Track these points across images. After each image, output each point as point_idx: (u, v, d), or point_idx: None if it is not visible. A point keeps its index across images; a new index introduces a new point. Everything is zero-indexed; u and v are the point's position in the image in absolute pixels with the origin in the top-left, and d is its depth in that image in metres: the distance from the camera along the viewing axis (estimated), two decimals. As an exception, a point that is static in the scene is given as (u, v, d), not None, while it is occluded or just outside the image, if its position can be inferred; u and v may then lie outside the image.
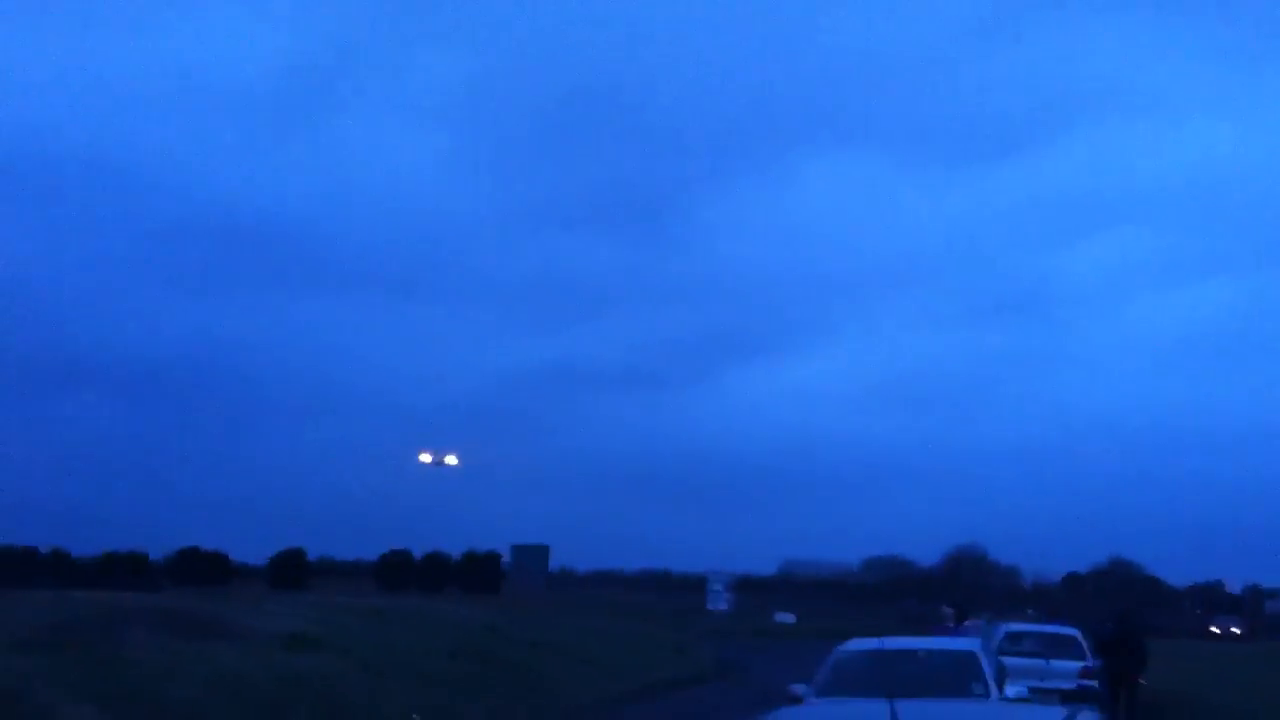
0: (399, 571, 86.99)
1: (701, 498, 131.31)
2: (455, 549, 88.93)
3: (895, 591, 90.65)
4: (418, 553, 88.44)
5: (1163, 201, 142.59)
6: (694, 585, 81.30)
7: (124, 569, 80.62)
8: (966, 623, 26.83)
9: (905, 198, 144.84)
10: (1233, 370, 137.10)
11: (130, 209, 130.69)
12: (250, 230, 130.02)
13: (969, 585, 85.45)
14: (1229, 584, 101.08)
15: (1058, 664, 22.39)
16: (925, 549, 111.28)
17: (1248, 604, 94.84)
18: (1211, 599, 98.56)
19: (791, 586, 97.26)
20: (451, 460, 67.42)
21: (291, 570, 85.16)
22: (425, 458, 67.07)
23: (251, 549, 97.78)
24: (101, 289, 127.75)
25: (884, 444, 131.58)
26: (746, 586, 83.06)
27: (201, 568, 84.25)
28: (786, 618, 71.33)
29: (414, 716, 18.34)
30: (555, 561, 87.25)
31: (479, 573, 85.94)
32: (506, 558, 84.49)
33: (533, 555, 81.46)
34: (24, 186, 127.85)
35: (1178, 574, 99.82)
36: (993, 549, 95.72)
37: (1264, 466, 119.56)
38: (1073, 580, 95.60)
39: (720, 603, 73.44)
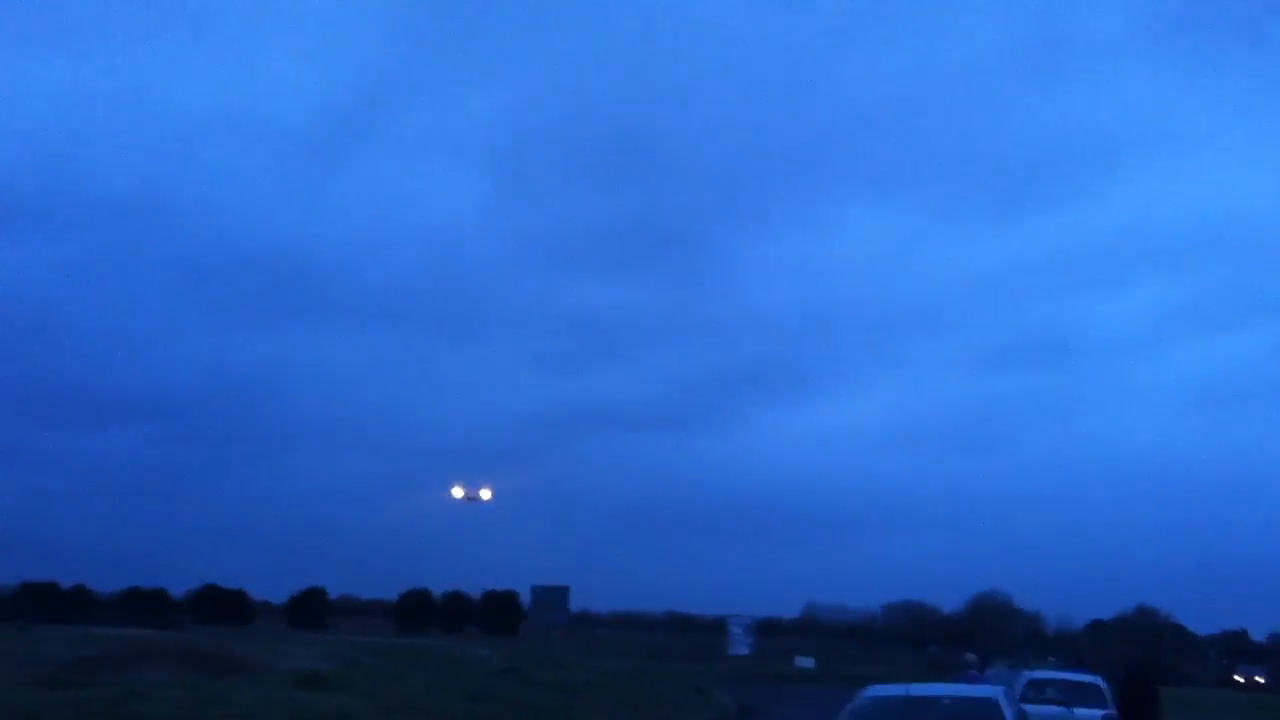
0: (418, 611, 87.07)
1: (723, 540, 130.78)
2: (475, 588, 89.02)
3: (917, 637, 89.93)
4: (438, 592, 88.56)
5: (1193, 251, 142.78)
6: (715, 628, 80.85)
7: (144, 605, 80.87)
8: (989, 670, 26.61)
9: (937, 244, 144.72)
10: (1259, 418, 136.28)
11: (165, 246, 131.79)
12: (281, 267, 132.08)
13: (992, 631, 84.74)
14: (1253, 632, 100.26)
15: (1080, 712, 22.16)
16: (947, 594, 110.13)
17: (1272, 653, 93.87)
18: (1236, 647, 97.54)
19: (813, 630, 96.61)
20: (485, 495, 65.57)
21: (311, 608, 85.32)
22: (458, 492, 64.93)
23: (272, 587, 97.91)
24: (131, 325, 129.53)
25: (908, 488, 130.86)
26: (768, 630, 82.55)
27: (221, 605, 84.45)
28: (807, 662, 70.72)
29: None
30: (575, 603, 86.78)
31: (498, 613, 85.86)
32: (526, 598, 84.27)
33: (553, 596, 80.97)
34: (61, 222, 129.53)
35: (1202, 622, 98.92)
36: (1016, 595, 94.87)
37: (1267, 511, 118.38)
38: (1097, 627, 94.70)
39: (741, 646, 72.93)
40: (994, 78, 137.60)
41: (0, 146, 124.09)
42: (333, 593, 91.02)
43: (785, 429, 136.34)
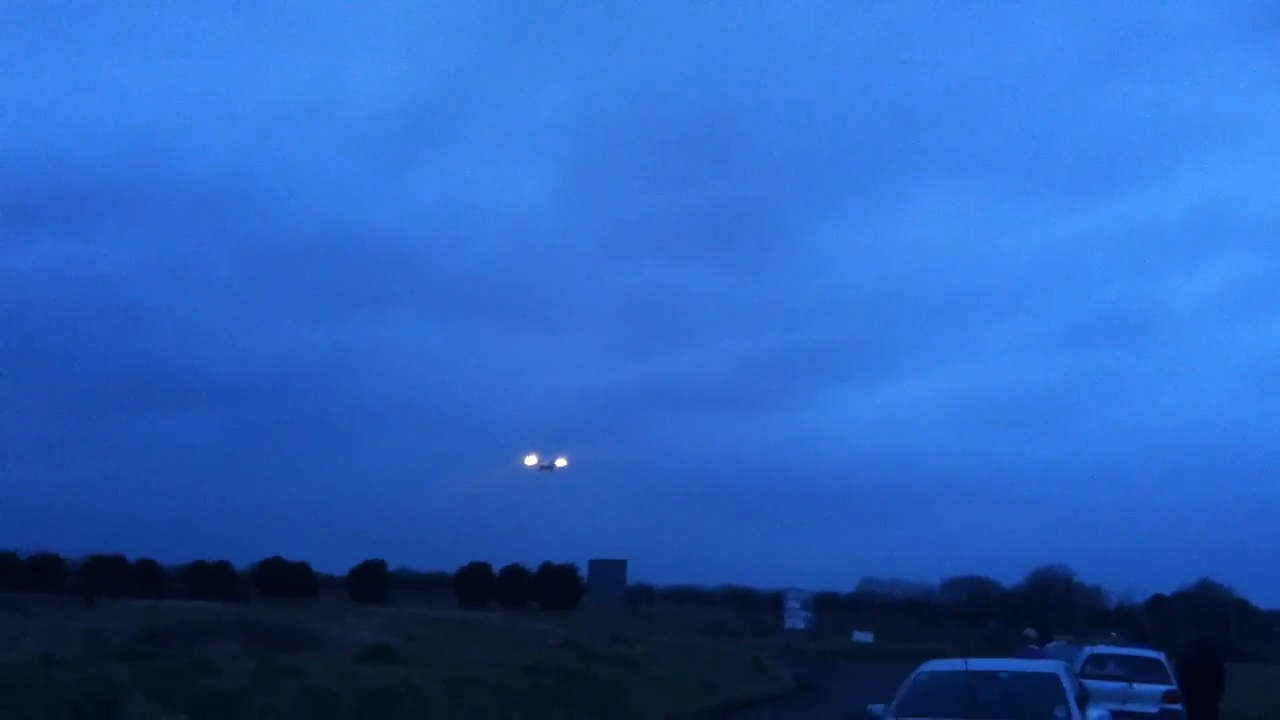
0: (478, 584, 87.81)
1: (782, 516, 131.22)
2: (534, 562, 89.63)
3: (977, 612, 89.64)
4: (497, 566, 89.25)
5: (1267, 231, 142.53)
6: (772, 603, 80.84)
7: (209, 579, 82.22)
8: (1050, 645, 26.56)
9: (1011, 225, 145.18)
10: None
11: (245, 235, 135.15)
12: (356, 256, 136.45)
13: (1053, 606, 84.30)
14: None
15: (1141, 688, 22.11)
16: (1008, 569, 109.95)
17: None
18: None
19: (870, 606, 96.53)
20: (561, 463, 65.76)
21: (372, 582, 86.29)
22: (531, 460, 65.43)
23: (334, 560, 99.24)
24: (210, 312, 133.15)
25: (972, 465, 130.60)
26: (825, 605, 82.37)
27: (285, 578, 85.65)
28: (865, 637, 70.75)
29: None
30: (632, 576, 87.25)
31: (557, 587, 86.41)
32: (584, 572, 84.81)
33: (610, 570, 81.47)
34: (146, 211, 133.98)
35: (1268, 598, 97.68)
36: (1078, 570, 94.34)
37: None
38: (1158, 602, 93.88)
39: (798, 621, 72.75)
40: (1069, 65, 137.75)
41: (92, 141, 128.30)
42: (393, 566, 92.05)
43: (851, 408, 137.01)
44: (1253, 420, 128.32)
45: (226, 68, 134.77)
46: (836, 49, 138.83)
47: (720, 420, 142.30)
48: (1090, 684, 18.85)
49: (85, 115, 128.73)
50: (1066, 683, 12.99)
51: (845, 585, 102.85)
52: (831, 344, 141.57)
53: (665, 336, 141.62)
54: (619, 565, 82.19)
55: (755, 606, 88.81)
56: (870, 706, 12.76)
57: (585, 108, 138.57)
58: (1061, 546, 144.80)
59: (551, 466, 65.17)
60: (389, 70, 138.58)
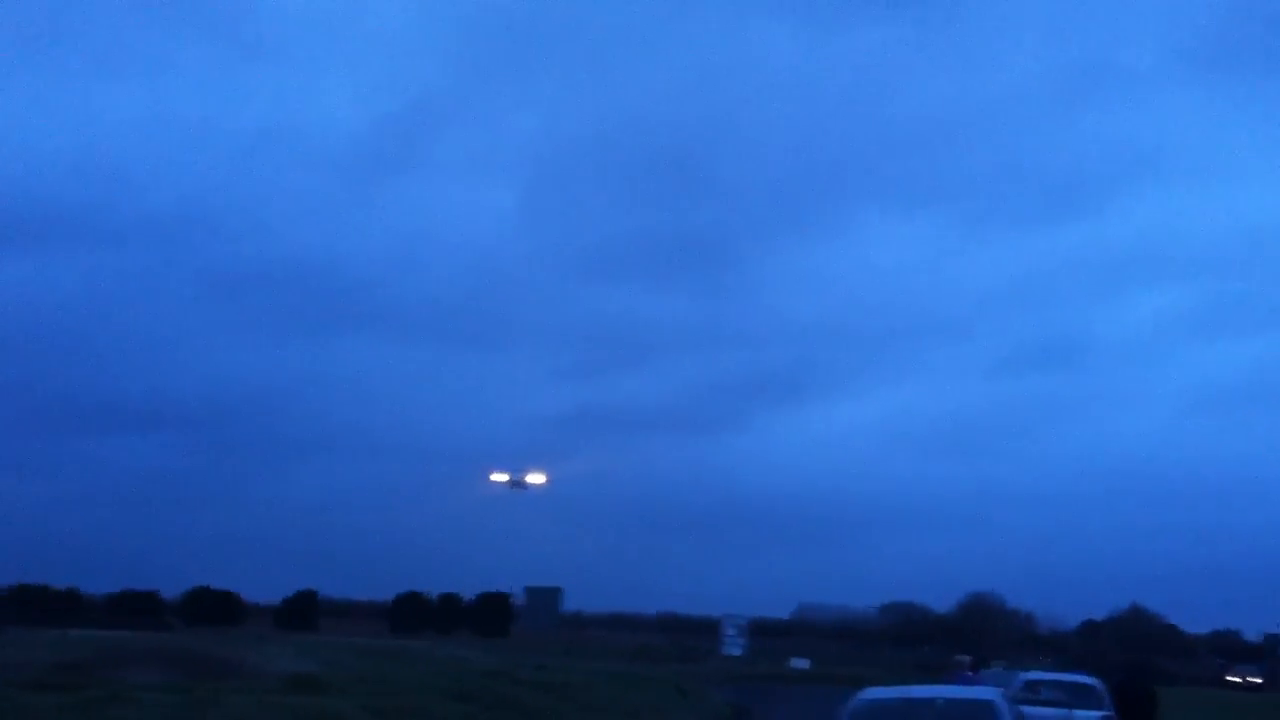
0: (412, 612, 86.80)
1: (720, 541, 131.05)
2: (470, 590, 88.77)
3: (911, 638, 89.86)
4: (431, 593, 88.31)
5: (1204, 261, 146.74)
6: (709, 629, 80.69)
7: (135, 607, 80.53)
8: (984, 670, 26.46)
9: (960, 254, 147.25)
10: (1260, 423, 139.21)
11: (202, 258, 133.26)
12: (315, 281, 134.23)
13: (985, 632, 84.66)
14: (1246, 632, 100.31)
15: (1079, 713, 22.01)
16: (942, 595, 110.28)
17: (1266, 652, 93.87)
18: (1229, 647, 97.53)
19: (807, 631, 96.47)
20: (536, 479, 59.94)
21: (302, 611, 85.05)
22: (499, 478, 59.97)
23: (265, 588, 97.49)
24: (158, 336, 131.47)
25: (910, 491, 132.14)
26: (762, 631, 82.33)
27: (212, 607, 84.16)
28: (801, 663, 70.61)
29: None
30: (568, 603, 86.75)
31: (491, 614, 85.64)
32: (519, 599, 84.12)
33: (545, 597, 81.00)
34: (100, 235, 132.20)
35: (1196, 621, 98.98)
36: (1010, 595, 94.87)
37: (1273, 515, 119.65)
38: (1089, 627, 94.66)
39: (735, 647, 72.76)
40: (1026, 102, 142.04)
41: (55, 164, 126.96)
42: (326, 595, 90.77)
43: (794, 433, 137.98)
44: (1187, 446, 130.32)
45: (196, 92, 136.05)
46: (801, 81, 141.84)
47: (663, 445, 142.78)
48: (1027, 710, 18.69)
49: (49, 139, 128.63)
50: (1003, 709, 12.78)
51: (782, 611, 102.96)
52: (778, 369, 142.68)
53: (616, 360, 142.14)
54: (554, 592, 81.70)
55: (692, 633, 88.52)
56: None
57: (552, 133, 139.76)
58: (994, 572, 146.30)
59: (523, 483, 60.30)
60: (358, 95, 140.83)
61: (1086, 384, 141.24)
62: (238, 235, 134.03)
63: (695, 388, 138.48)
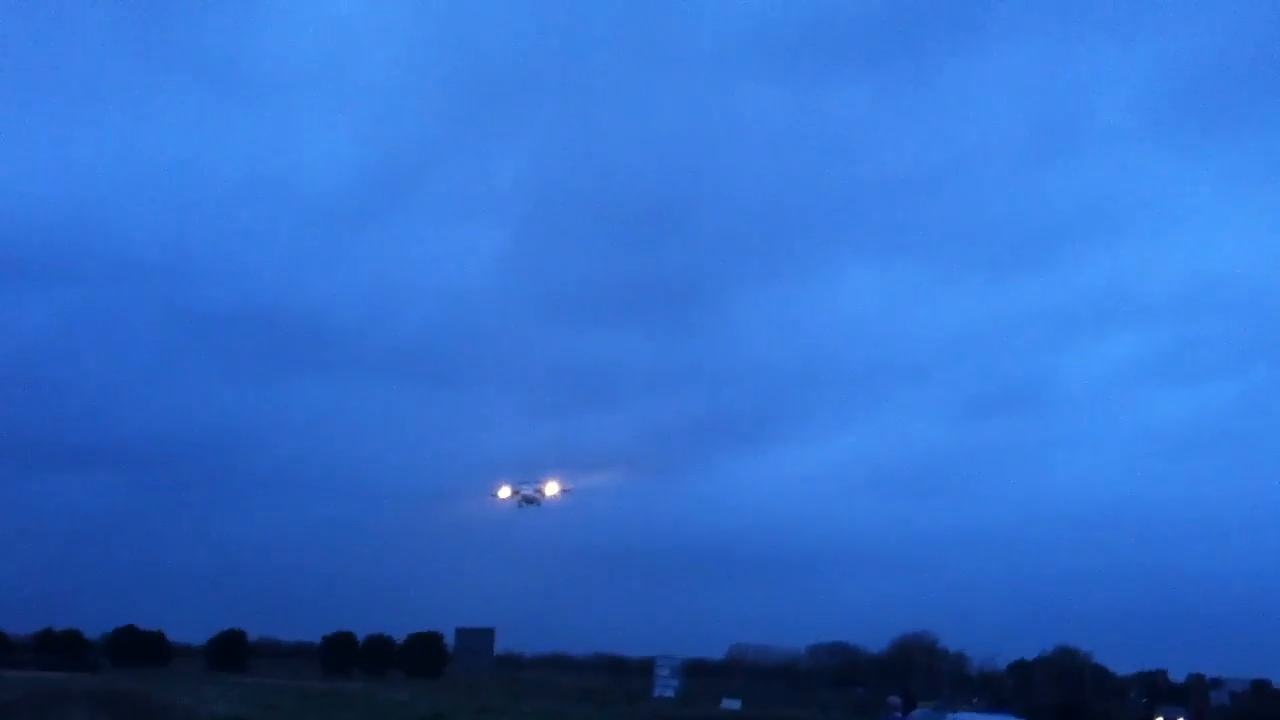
0: (342, 653, 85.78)
1: (656, 582, 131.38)
2: (400, 631, 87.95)
3: (844, 678, 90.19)
4: (361, 634, 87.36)
5: (1161, 312, 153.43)
6: (642, 669, 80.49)
7: (59, 647, 79.07)
8: (915, 712, 26.79)
9: (928, 303, 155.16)
10: (1204, 468, 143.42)
11: (177, 300, 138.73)
12: (288, 324, 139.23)
13: (917, 672, 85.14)
14: (1173, 673, 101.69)
15: (1005, 753, 22.40)
16: (875, 635, 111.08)
17: (1193, 693, 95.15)
18: (1156, 687, 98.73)
19: (739, 671, 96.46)
20: (551, 490, 52.31)
21: (231, 651, 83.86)
22: (504, 493, 52.56)
23: (193, 629, 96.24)
24: (119, 377, 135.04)
25: (854, 531, 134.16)
26: (695, 672, 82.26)
27: (139, 647, 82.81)
28: (733, 704, 70.51)
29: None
30: (502, 644, 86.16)
31: (423, 655, 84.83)
32: (451, 640, 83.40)
33: (478, 638, 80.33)
34: (77, 276, 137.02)
35: (1124, 662, 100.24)
36: (943, 636, 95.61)
37: (1210, 559, 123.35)
38: (1020, 668, 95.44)
39: (667, 689, 72.47)
40: (994, 158, 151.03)
41: (26, 202, 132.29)
42: (256, 635, 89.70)
43: (746, 476, 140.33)
44: (1132, 491, 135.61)
45: (179, 136, 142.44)
46: (778, 135, 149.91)
47: (615, 486, 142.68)
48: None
49: (24, 178, 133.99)
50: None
51: (715, 652, 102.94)
52: (741, 412, 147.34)
53: (584, 402, 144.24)
54: (487, 633, 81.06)
55: (626, 673, 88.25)
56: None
57: (533, 182, 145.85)
58: (929, 613, 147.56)
59: (537, 499, 52.35)
60: (342, 143, 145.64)
61: (1042, 429, 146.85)
62: (210, 278, 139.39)
63: (658, 429, 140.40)
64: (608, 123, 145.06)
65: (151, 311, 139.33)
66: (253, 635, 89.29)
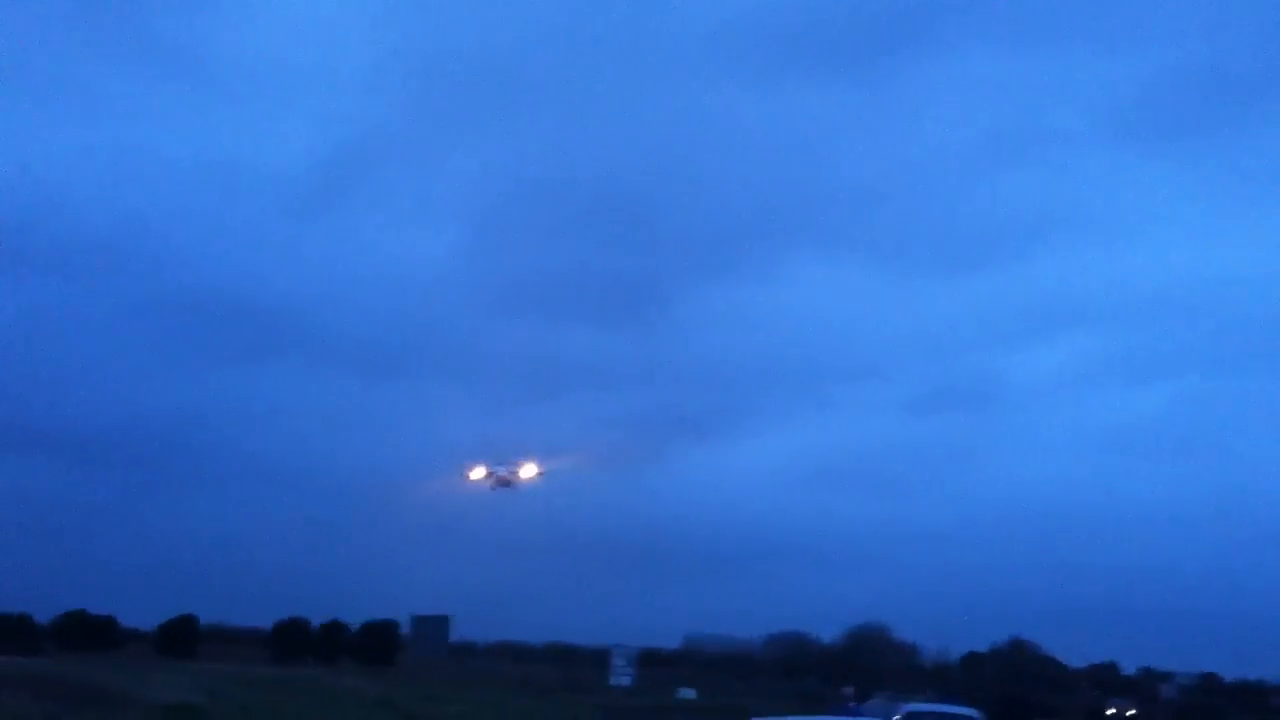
0: (294, 640, 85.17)
1: (612, 571, 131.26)
2: (356, 618, 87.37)
3: (797, 668, 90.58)
4: (315, 620, 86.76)
5: (1111, 311, 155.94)
6: (598, 659, 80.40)
7: (8, 632, 78.04)
8: (867, 702, 26.84)
9: (880, 301, 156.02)
10: (1153, 465, 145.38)
11: (130, 286, 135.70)
12: (245, 311, 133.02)
13: (869, 663, 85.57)
14: (1123, 666, 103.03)
15: (957, 745, 22.42)
16: (829, 626, 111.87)
17: (1142, 686, 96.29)
18: (1106, 680, 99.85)
19: (694, 661, 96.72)
20: (528, 473, 48.76)
21: (182, 636, 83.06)
22: (477, 474, 48.82)
23: (144, 613, 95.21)
24: (73, 361, 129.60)
25: (807, 523, 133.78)
26: (649, 661, 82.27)
27: (87, 632, 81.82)
28: (688, 693, 70.73)
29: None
30: (456, 632, 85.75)
31: (377, 643, 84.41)
32: (406, 627, 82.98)
33: (433, 626, 79.90)
34: (26, 261, 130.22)
35: (1076, 655, 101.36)
36: (896, 628, 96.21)
37: (1161, 553, 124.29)
38: (972, 659, 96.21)
39: (623, 678, 72.34)
40: (951, 160, 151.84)
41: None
42: (206, 620, 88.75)
43: (699, 469, 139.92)
44: (1083, 487, 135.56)
45: (139, 121, 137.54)
46: (739, 134, 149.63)
47: (567, 477, 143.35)
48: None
49: None
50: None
51: (670, 641, 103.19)
52: (696, 406, 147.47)
53: (538, 395, 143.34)
54: (442, 621, 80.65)
55: (580, 663, 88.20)
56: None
57: (493, 175, 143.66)
58: (883, 604, 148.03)
59: (510, 480, 49.06)
60: (302, 129, 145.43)
61: (994, 426, 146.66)
62: (168, 263, 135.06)
63: (601, 421, 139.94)
64: (570, 119, 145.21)
65: (104, 297, 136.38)
66: (204, 620, 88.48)
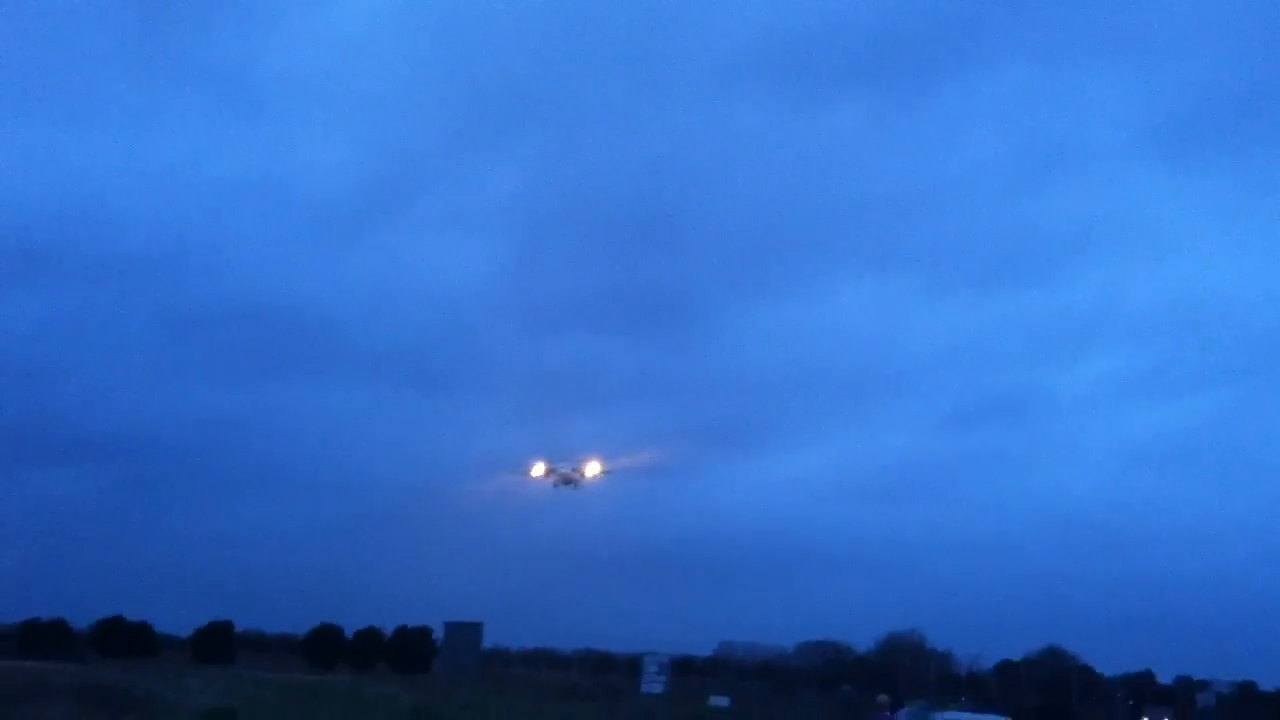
0: (328, 646, 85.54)
1: (645, 578, 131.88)
2: (389, 624, 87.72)
3: (831, 676, 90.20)
4: (350, 628, 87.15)
5: (1145, 328, 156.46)
6: (630, 666, 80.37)
7: (44, 638, 78.67)
8: (902, 710, 26.72)
9: (919, 317, 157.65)
10: (1187, 478, 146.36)
11: (172, 299, 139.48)
12: (284, 325, 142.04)
13: (904, 671, 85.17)
14: (1160, 675, 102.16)
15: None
16: (863, 634, 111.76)
17: (1179, 695, 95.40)
18: (1142, 689, 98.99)
19: (727, 669, 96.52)
20: (592, 470, 47.42)
21: (217, 643, 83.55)
22: (538, 472, 46.68)
23: (181, 620, 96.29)
24: (114, 371, 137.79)
25: (843, 533, 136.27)
26: (682, 669, 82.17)
27: (125, 638, 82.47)
28: (722, 701, 70.46)
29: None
30: (489, 639, 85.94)
31: (410, 650, 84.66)
32: (439, 634, 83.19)
33: (466, 632, 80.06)
34: (74, 273, 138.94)
35: (1111, 664, 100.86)
36: (931, 636, 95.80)
37: (1195, 565, 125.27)
38: (1006, 668, 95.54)
39: (655, 685, 71.97)
40: (990, 175, 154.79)
41: (24, 204, 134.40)
42: (242, 626, 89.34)
43: (738, 479, 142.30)
44: (1118, 500, 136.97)
45: (181, 141, 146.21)
46: (774, 152, 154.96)
47: (604, 486, 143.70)
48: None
49: (24, 181, 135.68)
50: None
51: (703, 648, 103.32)
52: (733, 419, 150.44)
53: (575, 406, 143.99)
54: (475, 628, 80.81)
55: (612, 670, 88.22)
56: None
57: (531, 194, 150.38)
58: (918, 613, 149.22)
59: (575, 480, 47.53)
60: (344, 152, 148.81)
61: (1029, 439, 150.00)
62: (205, 279, 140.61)
63: (641, 433, 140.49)
64: (603, 139, 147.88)
65: (147, 310, 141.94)
66: (240, 627, 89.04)
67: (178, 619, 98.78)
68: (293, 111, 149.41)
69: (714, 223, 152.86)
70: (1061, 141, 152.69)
